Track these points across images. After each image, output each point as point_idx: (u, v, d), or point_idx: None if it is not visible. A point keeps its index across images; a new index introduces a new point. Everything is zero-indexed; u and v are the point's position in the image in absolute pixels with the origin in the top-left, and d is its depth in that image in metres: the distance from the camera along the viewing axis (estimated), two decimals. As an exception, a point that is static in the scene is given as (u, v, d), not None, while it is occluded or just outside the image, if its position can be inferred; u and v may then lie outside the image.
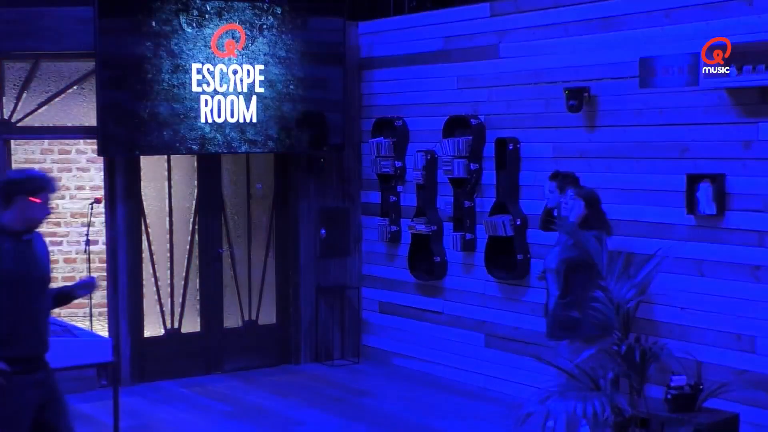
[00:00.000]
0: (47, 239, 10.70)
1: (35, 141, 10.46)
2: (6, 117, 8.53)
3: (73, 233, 10.94)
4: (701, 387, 5.91)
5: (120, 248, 8.76)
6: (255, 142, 8.88)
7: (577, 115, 7.63)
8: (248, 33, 8.77)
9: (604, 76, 7.50)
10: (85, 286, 5.21)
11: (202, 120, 8.63)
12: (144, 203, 8.97)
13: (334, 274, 9.75)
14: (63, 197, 10.95)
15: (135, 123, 8.37)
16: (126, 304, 8.79)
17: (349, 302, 9.83)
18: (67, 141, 10.69)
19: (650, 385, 5.56)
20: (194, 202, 9.21)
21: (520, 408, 4.83)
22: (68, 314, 10.58)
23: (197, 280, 9.22)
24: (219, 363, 9.27)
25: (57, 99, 8.64)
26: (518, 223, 8.08)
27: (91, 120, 8.50)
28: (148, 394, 8.58)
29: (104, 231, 9.05)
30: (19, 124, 8.58)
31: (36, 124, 8.65)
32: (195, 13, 8.52)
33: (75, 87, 8.67)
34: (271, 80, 8.90)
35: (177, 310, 9.18)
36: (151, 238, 9.02)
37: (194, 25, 8.52)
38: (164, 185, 9.13)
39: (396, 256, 9.47)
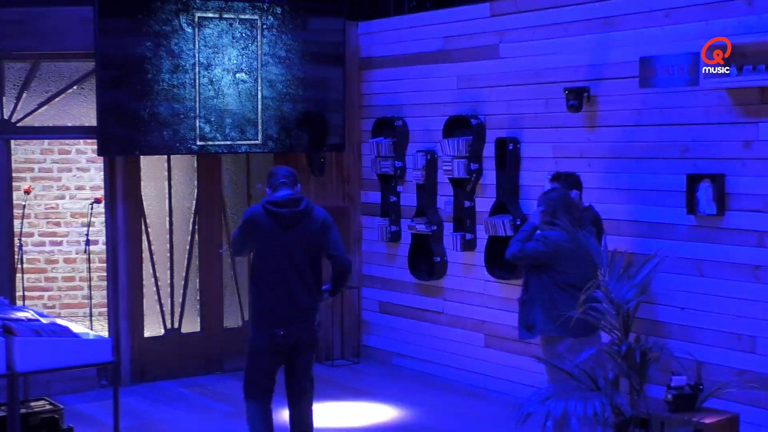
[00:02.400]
0: (47, 239, 10.87)
1: (35, 141, 10.47)
2: (6, 117, 8.53)
3: (73, 233, 10.94)
4: (701, 387, 5.90)
5: (120, 248, 8.77)
6: (255, 142, 8.88)
7: (577, 115, 7.63)
8: (248, 33, 8.77)
9: (604, 76, 7.50)
10: None
11: (202, 120, 8.63)
12: (144, 203, 8.97)
13: (334, 274, 9.74)
14: (63, 197, 10.96)
15: (135, 123, 8.37)
16: (126, 304, 8.79)
17: (349, 302, 9.83)
18: (67, 141, 10.69)
19: (650, 385, 5.56)
20: (194, 202, 9.21)
21: (520, 408, 4.83)
22: (68, 314, 10.60)
23: (197, 280, 9.22)
24: (219, 363, 9.27)
25: (57, 99, 8.64)
26: (518, 223, 8.08)
27: (91, 120, 8.50)
28: (148, 394, 8.58)
29: (104, 231, 9.05)
30: (19, 124, 8.58)
31: (36, 124, 8.65)
32: (195, 13, 8.52)
33: (75, 87, 8.67)
34: (271, 80, 8.90)
35: (177, 310, 9.19)
36: (151, 238, 9.02)
37: (194, 25, 8.52)
38: (164, 185, 9.13)
39: (396, 256, 9.47)
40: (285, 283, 5.95)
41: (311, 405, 6.22)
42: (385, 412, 8.02)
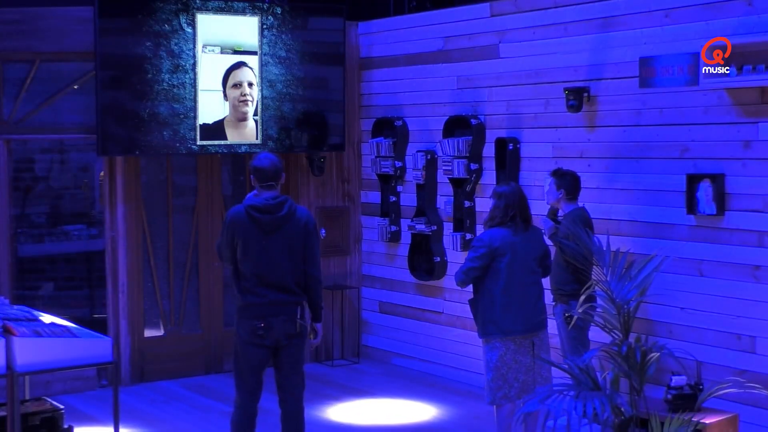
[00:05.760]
0: (47, 239, 10.82)
1: (35, 141, 10.45)
2: (6, 117, 8.53)
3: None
4: (701, 387, 5.91)
5: (120, 248, 8.76)
6: (255, 142, 8.88)
7: (577, 115, 7.63)
8: (248, 33, 8.76)
9: (604, 76, 7.50)
10: None
11: (202, 120, 8.63)
12: (144, 203, 8.97)
13: (333, 273, 9.75)
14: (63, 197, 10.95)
15: (135, 123, 8.38)
16: (126, 304, 8.79)
17: (349, 302, 9.83)
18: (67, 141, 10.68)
19: (650, 385, 5.56)
20: (194, 201, 9.21)
21: (519, 408, 4.83)
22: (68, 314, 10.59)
23: (197, 280, 9.22)
24: (219, 363, 9.27)
25: (57, 99, 8.64)
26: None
27: (91, 120, 8.50)
28: (148, 394, 8.58)
29: (104, 231, 9.05)
30: (19, 124, 8.58)
31: (36, 124, 8.65)
32: (195, 13, 8.52)
33: (75, 87, 8.67)
34: (271, 80, 8.90)
35: (177, 310, 9.19)
36: (151, 238, 9.02)
37: (194, 25, 8.52)
38: (164, 185, 9.13)
39: (396, 256, 9.47)
40: (266, 283, 5.96)
41: (301, 403, 6.17)
42: (384, 412, 8.02)
